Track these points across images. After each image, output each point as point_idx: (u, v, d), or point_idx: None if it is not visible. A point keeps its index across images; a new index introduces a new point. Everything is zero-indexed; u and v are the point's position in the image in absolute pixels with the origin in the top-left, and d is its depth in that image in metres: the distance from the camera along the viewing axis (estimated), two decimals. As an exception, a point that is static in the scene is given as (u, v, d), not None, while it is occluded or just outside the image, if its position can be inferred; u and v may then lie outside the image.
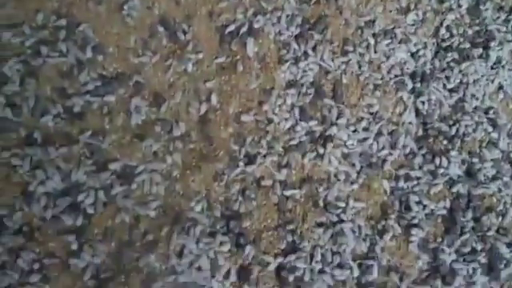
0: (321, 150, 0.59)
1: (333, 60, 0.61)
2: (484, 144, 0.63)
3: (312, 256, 0.57)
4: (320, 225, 0.58)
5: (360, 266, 0.58)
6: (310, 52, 0.60)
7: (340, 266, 0.57)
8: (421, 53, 0.64)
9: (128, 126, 0.57)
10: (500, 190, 0.62)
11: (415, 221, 0.60)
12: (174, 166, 0.56)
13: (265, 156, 0.58)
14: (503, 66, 0.65)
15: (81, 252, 0.53)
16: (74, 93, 0.56)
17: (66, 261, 0.53)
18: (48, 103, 0.55)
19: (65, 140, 0.55)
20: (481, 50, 0.65)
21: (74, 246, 0.53)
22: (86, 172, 0.55)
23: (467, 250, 0.60)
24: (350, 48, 0.61)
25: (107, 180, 0.55)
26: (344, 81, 0.61)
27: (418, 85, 0.63)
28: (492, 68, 0.65)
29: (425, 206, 0.60)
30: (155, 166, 0.56)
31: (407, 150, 0.62)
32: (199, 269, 0.54)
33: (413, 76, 0.63)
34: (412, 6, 0.64)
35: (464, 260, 0.59)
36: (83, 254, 0.53)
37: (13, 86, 0.55)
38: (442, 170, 0.61)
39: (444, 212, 0.61)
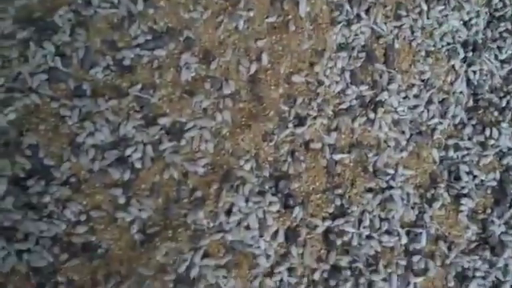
0: (371, 115, 0.62)
1: (385, 24, 0.64)
2: (536, 117, 0.67)
3: (360, 221, 0.60)
4: (369, 190, 0.61)
5: (408, 233, 0.61)
6: (362, 15, 0.64)
7: (388, 232, 0.60)
8: (473, 21, 0.67)
9: (178, 81, 0.60)
10: (551, 164, 0.65)
11: (465, 191, 0.63)
12: (223, 123, 0.59)
13: (315, 118, 0.61)
14: (556, 38, 0.69)
15: (128, 206, 0.56)
16: (124, 46, 0.59)
17: (113, 214, 0.56)
18: (98, 55, 0.59)
19: (114, 93, 0.58)
20: (534, 20, 0.69)
21: (121, 200, 0.56)
22: (135, 126, 0.58)
23: (517, 222, 0.63)
24: (403, 13, 0.64)
25: (156, 135, 0.58)
26: (396, 46, 0.64)
27: (470, 54, 0.66)
28: (545, 39, 0.69)
29: (475, 177, 0.64)
30: (205, 122, 0.59)
31: (457, 120, 0.65)
32: (247, 228, 0.57)
33: (465, 45, 0.67)
34: (466, -26, 0.68)
35: (514, 232, 0.63)
36: (130, 208, 0.56)
37: (63, 36, 0.58)
38: (492, 142, 0.65)
39: (494, 184, 0.64)
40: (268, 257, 0.58)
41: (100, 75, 0.58)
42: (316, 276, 0.58)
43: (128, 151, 0.57)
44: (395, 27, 0.64)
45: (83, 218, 0.55)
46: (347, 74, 0.62)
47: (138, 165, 0.57)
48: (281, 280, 0.58)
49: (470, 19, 0.67)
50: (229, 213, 0.57)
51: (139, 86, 0.58)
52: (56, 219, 0.54)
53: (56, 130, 0.57)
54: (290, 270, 0.58)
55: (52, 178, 0.56)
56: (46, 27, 0.57)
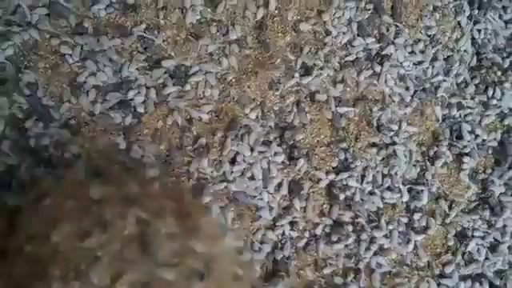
0: (377, 69, 0.77)
1: (394, -25, 0.80)
2: (538, 78, 0.84)
3: (363, 176, 0.76)
4: (373, 145, 0.76)
5: (410, 190, 0.76)
6: (371, -35, 0.79)
7: (390, 189, 0.75)
8: (480, -21, 0.84)
9: (183, 23, 0.73)
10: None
11: (467, 150, 0.78)
12: (229, 69, 0.71)
13: (321, 69, 0.76)
14: (561, 1, 0.86)
15: (129, 151, 0.69)
16: (127, -18, 0.72)
17: (114, 159, 0.70)
18: (100, -9, 0.71)
19: (117, 32, 0.68)
20: (539, -19, 0.86)
21: (123, 145, 0.68)
22: (138, 68, 0.70)
23: (516, 183, 0.81)
24: (412, -35, 0.81)
25: (160, 78, 0.70)
26: (404, -1, 0.80)
27: (476, 12, 0.83)
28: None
29: (477, 136, 0.79)
30: (210, 67, 0.70)
31: (460, 79, 0.82)
32: (251, 178, 0.68)
33: (471, 2, 0.84)
34: None
35: (512, 194, 0.80)
36: (131, 153, 0.70)
37: (64, -31, 0.70)
38: (494, 102, 0.81)
39: (495, 144, 0.80)
40: (271, 209, 0.71)
41: (102, 12, 0.70)
42: (318, 230, 0.70)
43: (130, 94, 0.68)
44: (404, -21, 0.80)
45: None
46: (354, 26, 0.77)
47: (140, 109, 0.67)
48: (283, 233, 0.70)
49: (477, -24, 0.84)
50: (233, 162, 0.69)
51: (143, 26, 0.69)
52: (56, 163, 0.67)
53: (56, 68, 0.66)
54: (293, 223, 0.70)
55: (51, 119, 0.66)
56: (46, -40, 0.68)
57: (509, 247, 0.74)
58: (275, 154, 0.68)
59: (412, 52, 0.75)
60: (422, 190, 0.73)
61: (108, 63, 0.66)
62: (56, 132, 0.64)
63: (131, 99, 0.66)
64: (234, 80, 0.68)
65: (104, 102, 0.66)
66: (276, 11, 0.71)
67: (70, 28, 0.66)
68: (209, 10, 0.69)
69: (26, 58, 0.64)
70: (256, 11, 0.70)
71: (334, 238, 0.69)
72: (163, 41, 0.67)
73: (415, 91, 0.74)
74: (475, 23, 0.78)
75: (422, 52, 0.75)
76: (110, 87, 0.67)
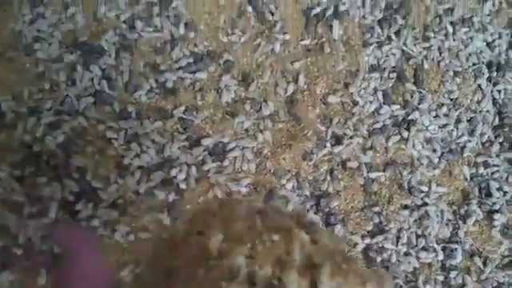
0: (404, 134, 0.78)
1: (415, 45, 0.82)
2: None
3: (398, 238, 0.76)
4: (405, 207, 0.77)
5: (444, 249, 0.77)
6: (393, 36, 0.81)
7: (425, 248, 0.76)
8: (496, 43, 0.85)
9: (219, 103, 0.75)
10: None
11: (496, 206, 0.79)
12: (264, 143, 0.72)
13: (351, 137, 0.77)
14: None
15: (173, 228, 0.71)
16: (166, 68, 0.75)
17: (160, 235, 0.71)
18: (141, 78, 0.74)
19: (158, 114, 0.72)
20: (555, 41, 0.87)
21: (167, 221, 0.71)
22: (180, 147, 0.72)
23: (547, 236, 0.80)
24: (431, 34, 0.82)
25: (199, 156, 0.72)
26: (425, 66, 0.81)
27: (494, 74, 0.84)
28: None
29: (505, 193, 0.79)
30: (246, 142, 0.72)
31: (485, 138, 0.82)
32: None
33: (489, 65, 0.84)
34: (487, -4, 0.86)
35: (544, 247, 0.80)
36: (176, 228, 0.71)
37: (108, 59, 0.73)
38: (519, 158, 0.82)
39: (524, 199, 0.81)
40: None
41: (144, 98, 0.73)
42: None
43: (173, 172, 0.70)
44: (424, 48, 0.81)
45: (132, 238, 0.70)
46: (380, 94, 0.79)
47: (182, 185, 0.69)
48: None
49: (493, 40, 0.84)
50: None
51: (182, 108, 0.72)
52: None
53: (103, 152, 0.68)
54: None
55: (100, 200, 0.68)
56: (92, 51, 0.72)
57: (544, 299, 0.72)
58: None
59: (436, 116, 0.75)
60: (456, 248, 0.72)
61: (151, 144, 0.66)
62: (105, 212, 0.64)
63: (174, 177, 0.66)
64: (269, 153, 0.69)
65: (148, 181, 0.66)
66: (305, 86, 0.73)
67: (115, 114, 0.66)
68: (242, 88, 0.71)
69: (74, 144, 0.65)
70: (286, 87, 0.72)
71: (374, 300, 0.68)
72: (201, 120, 0.69)
73: (442, 153, 0.75)
74: (495, 84, 0.78)
75: (446, 115, 0.76)
76: (153, 167, 0.67)
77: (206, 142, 0.69)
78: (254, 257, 0.31)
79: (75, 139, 0.66)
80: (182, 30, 0.71)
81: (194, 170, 0.67)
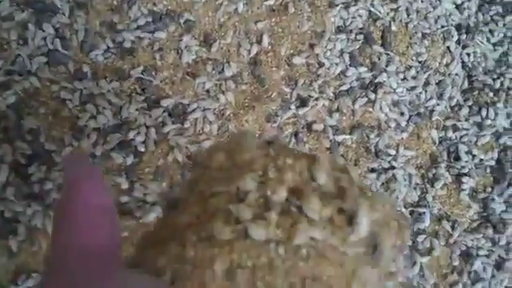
0: (371, 96, 0.75)
1: (382, 6, 0.78)
2: (529, 97, 0.82)
3: (365, 202, 0.73)
4: (372, 170, 0.74)
5: (412, 213, 0.74)
6: (359, -3, 0.77)
7: (392, 213, 0.74)
8: (465, 5, 0.82)
9: (179, 63, 0.71)
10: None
11: (465, 170, 0.76)
12: (226, 105, 0.69)
13: (316, 99, 0.73)
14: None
15: (131, 191, 0.67)
16: (124, 28, 0.71)
17: (117, 199, 0.67)
18: (97, 37, 0.70)
19: (115, 75, 0.68)
20: (524, 3, 0.84)
21: (125, 185, 0.67)
22: (138, 108, 0.68)
23: (516, 200, 0.77)
24: (399, -5, 0.79)
25: (159, 117, 0.69)
26: (393, 28, 0.78)
27: (464, 37, 0.81)
28: (536, 22, 0.84)
29: (474, 156, 0.77)
30: (208, 104, 0.69)
31: (453, 102, 0.79)
32: None
33: (458, 28, 0.81)
34: (455, -41, 0.83)
35: (514, 210, 0.77)
36: (134, 192, 0.67)
37: (62, 18, 0.69)
38: (488, 122, 0.78)
39: (492, 163, 0.77)
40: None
41: (100, 57, 0.68)
42: None
43: (131, 134, 0.66)
44: (391, 9, 0.78)
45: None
46: (346, 56, 0.75)
47: (141, 148, 0.65)
48: None
49: (463, 2, 0.81)
50: None
51: (141, 68, 0.69)
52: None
53: (57, 113, 0.64)
54: None
55: (54, 163, 0.65)
56: (44, 9, 0.68)
57: (514, 264, 0.69)
58: (276, 184, 0.64)
59: (404, 78, 0.72)
60: (424, 212, 0.69)
61: (108, 105, 0.62)
62: (59, 176, 0.60)
63: (132, 139, 0.63)
64: (231, 115, 0.66)
65: (105, 144, 0.62)
66: (269, 47, 0.69)
67: (69, 74, 0.62)
68: (204, 49, 0.67)
69: (27, 105, 0.62)
70: (250, 48, 0.68)
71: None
72: (161, 81, 0.65)
73: (410, 116, 0.71)
74: (464, 47, 0.75)
75: (414, 78, 0.72)
76: (110, 129, 0.63)
77: (166, 103, 0.65)
78: (265, 182, 0.28)
79: (27, 100, 0.62)
80: (139, -12, 0.66)
81: (153, 131, 0.64)
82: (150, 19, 0.67)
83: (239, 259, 0.25)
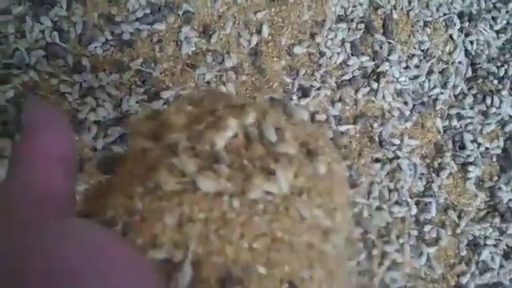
0: (374, 86, 0.74)
1: (383, -6, 0.77)
2: (534, 85, 0.80)
3: (369, 192, 0.72)
4: (376, 161, 0.73)
5: (417, 203, 0.73)
6: (360, -14, 0.76)
7: (398, 203, 0.72)
8: (467, -8, 0.81)
9: (179, 55, 0.70)
10: (553, 130, 0.78)
11: (471, 159, 0.74)
12: None
13: (318, 89, 0.72)
14: (549, 7, 0.83)
15: (133, 184, 0.66)
16: (122, 20, 0.70)
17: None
18: (96, 30, 0.69)
19: (115, 67, 0.68)
20: (527, -10, 0.83)
21: None
22: (138, 101, 0.68)
23: (524, 189, 0.76)
24: (400, -17, 0.77)
25: (159, 109, 0.68)
26: (394, 16, 0.77)
27: (466, 24, 0.80)
28: (539, 8, 0.83)
29: (479, 145, 0.76)
30: None
31: (457, 90, 0.78)
32: None
33: (460, 15, 0.80)
34: None
35: (521, 199, 0.75)
36: None
37: (60, 11, 0.68)
38: (493, 110, 0.77)
39: (498, 151, 0.76)
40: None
41: (99, 50, 0.68)
42: None
43: None
44: (392, -3, 0.77)
45: (89, 196, 0.65)
46: (348, 46, 0.74)
47: None
48: None
49: (464, -10, 0.81)
50: None
51: (140, 60, 0.68)
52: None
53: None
54: None
55: (54, 156, 0.65)
56: (42, 2, 0.67)
57: (523, 252, 0.67)
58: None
59: (407, 67, 0.71)
60: (430, 202, 0.68)
61: (107, 98, 0.61)
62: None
63: (133, 132, 0.61)
64: (233, 106, 0.63)
65: (106, 137, 0.61)
66: (269, 37, 0.68)
67: (68, 67, 0.61)
68: (203, 40, 0.66)
69: (26, 99, 0.59)
70: (250, 38, 0.67)
71: (346, 255, 0.63)
72: (160, 73, 0.64)
73: (414, 105, 0.70)
74: (467, 35, 0.74)
75: (417, 66, 0.71)
76: (110, 122, 0.62)
77: (166, 94, 0.64)
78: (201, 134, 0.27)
79: (26, 94, 0.60)
80: (137, -20, 0.65)
81: (153, 124, 0.62)
82: (148, 11, 0.66)
83: (190, 212, 0.24)
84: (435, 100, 0.72)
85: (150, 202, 0.25)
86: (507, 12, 0.77)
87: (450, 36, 0.74)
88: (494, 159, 0.73)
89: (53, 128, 0.26)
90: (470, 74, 0.74)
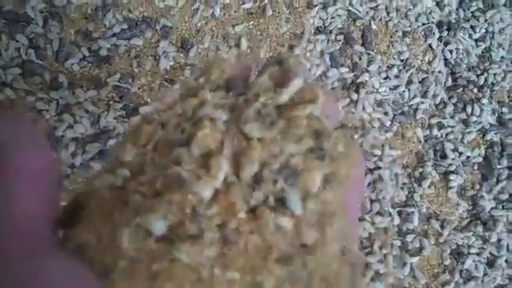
0: (354, 97, 0.73)
1: (361, 6, 0.77)
2: (513, 93, 0.80)
3: (351, 204, 0.71)
4: (358, 171, 0.73)
5: (400, 213, 0.72)
6: (338, -3, 0.76)
7: (380, 213, 0.71)
8: (445, 2, 0.80)
9: (157, 70, 0.69)
10: (533, 138, 0.78)
11: (452, 168, 0.74)
12: None
13: (298, 102, 0.72)
14: (528, 16, 0.83)
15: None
16: (99, 36, 0.69)
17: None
18: (73, 46, 0.68)
19: (92, 84, 0.67)
20: (505, -3, 0.83)
21: None
22: (116, 117, 0.67)
23: (505, 196, 0.75)
24: (378, -7, 0.77)
25: (138, 125, 0.67)
26: (373, 27, 0.77)
27: (445, 34, 0.79)
28: (517, 17, 0.82)
29: (460, 154, 0.75)
30: None
31: (438, 100, 0.77)
32: None
33: (439, 25, 0.80)
34: (433, -44, 0.81)
35: (503, 207, 0.75)
36: None
37: (36, 28, 0.67)
38: (474, 119, 0.76)
39: (480, 160, 0.76)
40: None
41: (76, 67, 0.67)
42: None
43: (110, 143, 0.65)
44: (371, 8, 0.76)
45: (68, 214, 0.64)
46: (327, 57, 0.73)
47: None
48: None
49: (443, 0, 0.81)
50: None
51: (118, 76, 0.67)
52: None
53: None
54: None
55: (32, 174, 0.64)
56: (17, 19, 0.66)
57: (506, 261, 0.68)
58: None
59: (387, 77, 0.70)
60: (413, 212, 0.67)
61: (85, 114, 0.60)
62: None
63: (112, 147, 0.60)
64: (212, 120, 0.63)
65: (84, 154, 0.60)
66: (248, 50, 0.66)
67: (45, 84, 0.60)
68: (181, 55, 0.65)
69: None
70: (228, 52, 0.66)
71: (329, 268, 0.62)
72: (139, 88, 0.63)
73: (394, 115, 0.70)
74: (446, 44, 0.73)
75: (397, 76, 0.71)
76: (88, 138, 0.60)
77: (145, 110, 0.63)
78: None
79: (3, 112, 0.59)
80: (114, -5, 0.64)
81: (132, 140, 0.61)
82: (125, 26, 0.65)
83: None
84: (415, 110, 0.72)
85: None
86: (486, 21, 0.77)
87: (430, 45, 0.74)
88: (476, 168, 0.72)
89: (29, 145, 0.24)
90: (449, 82, 0.74)
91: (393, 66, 0.72)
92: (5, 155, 0.23)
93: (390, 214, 0.67)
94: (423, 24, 0.74)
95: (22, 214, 0.22)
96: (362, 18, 0.72)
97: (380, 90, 0.71)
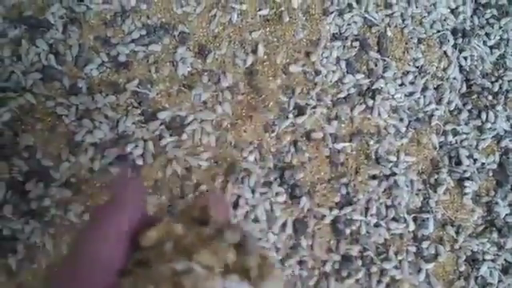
0: (370, 103, 0.73)
1: (377, 12, 0.77)
2: (528, 99, 0.80)
3: (367, 209, 0.71)
4: (373, 177, 0.72)
5: (415, 219, 0.72)
6: (354, 4, 0.76)
7: (395, 219, 0.71)
8: (460, 9, 0.80)
9: (175, 76, 0.70)
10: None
11: (467, 174, 0.74)
12: (224, 115, 0.67)
13: (314, 107, 0.72)
14: (542, 22, 0.82)
15: (131, 205, 0.65)
16: (118, 42, 0.69)
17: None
18: (92, 52, 0.68)
19: (111, 89, 0.67)
20: (519, 5, 0.82)
21: None
22: (134, 122, 0.67)
23: (520, 203, 0.75)
24: (393, 1, 0.77)
25: (156, 130, 0.67)
26: (388, 34, 0.77)
27: (460, 41, 0.79)
28: (531, 24, 0.82)
29: (475, 160, 0.75)
30: (205, 115, 0.67)
31: (453, 106, 0.77)
32: (256, 220, 0.67)
33: (454, 32, 0.80)
34: (448, -36, 0.82)
35: (518, 214, 0.75)
36: None
37: (56, 34, 0.68)
38: (489, 125, 0.76)
39: (494, 166, 0.75)
40: (277, 249, 0.67)
41: (95, 72, 0.67)
42: (327, 267, 0.67)
43: (128, 148, 0.65)
44: (386, 15, 0.76)
45: (87, 218, 0.64)
46: (343, 63, 0.73)
47: (139, 161, 0.64)
48: (292, 273, 0.67)
49: (457, 7, 0.80)
50: (236, 205, 0.67)
51: (136, 82, 0.67)
52: (59, 223, 0.63)
53: (53, 129, 0.63)
54: (301, 262, 0.65)
55: (51, 179, 0.63)
56: (38, 25, 0.67)
57: (521, 268, 0.67)
58: (277, 194, 0.64)
59: (402, 84, 0.70)
60: (428, 218, 0.67)
61: (104, 120, 0.61)
62: (57, 192, 0.58)
63: (130, 153, 0.61)
64: (229, 125, 0.64)
65: (103, 158, 0.60)
66: (265, 56, 0.67)
67: (65, 89, 0.61)
68: (199, 61, 0.66)
69: (22, 122, 0.60)
70: (245, 58, 0.67)
71: (344, 273, 0.64)
72: (157, 94, 0.63)
73: (409, 121, 0.70)
74: (461, 51, 0.73)
75: (412, 83, 0.71)
76: (107, 143, 0.61)
77: (163, 115, 0.63)
78: None
79: (23, 117, 0.61)
80: (133, 2, 0.66)
81: (150, 145, 0.62)
82: (144, 32, 0.65)
83: None
84: (430, 116, 0.72)
85: None
86: (500, 28, 0.77)
87: (444, 52, 0.74)
88: (491, 174, 0.72)
89: (131, 207, 0.29)
90: (464, 89, 0.74)
91: (408, 72, 0.72)
92: (113, 210, 0.29)
93: (406, 220, 0.67)
94: (438, 31, 0.74)
95: (109, 259, 0.27)
96: (377, 25, 0.72)
97: (395, 97, 0.71)
